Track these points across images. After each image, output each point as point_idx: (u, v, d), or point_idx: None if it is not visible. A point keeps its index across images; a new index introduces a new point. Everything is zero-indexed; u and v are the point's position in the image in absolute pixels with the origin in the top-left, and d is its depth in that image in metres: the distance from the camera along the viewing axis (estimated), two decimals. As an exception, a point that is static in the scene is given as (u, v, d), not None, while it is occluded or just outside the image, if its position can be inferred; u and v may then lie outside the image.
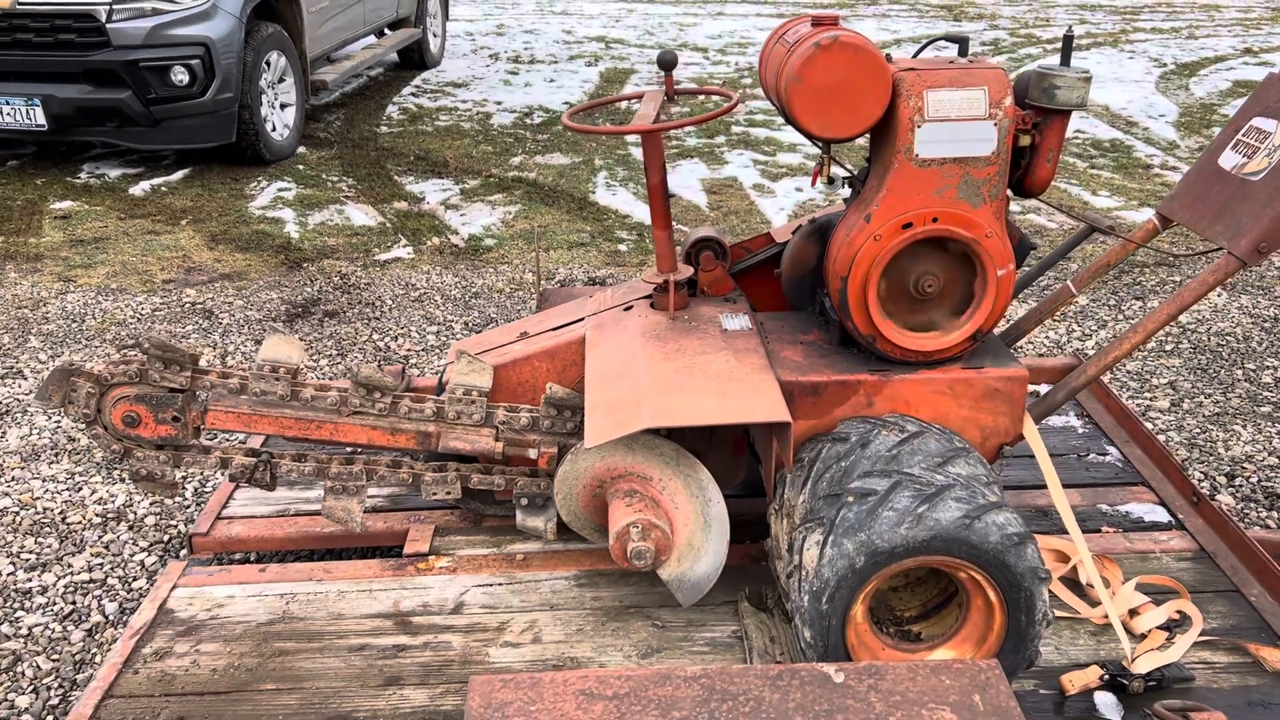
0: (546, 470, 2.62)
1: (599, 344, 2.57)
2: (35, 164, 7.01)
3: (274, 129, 7.07)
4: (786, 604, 2.22)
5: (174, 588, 2.62)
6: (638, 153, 7.31)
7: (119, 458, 2.61)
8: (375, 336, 4.62)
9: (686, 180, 6.81)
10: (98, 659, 2.72)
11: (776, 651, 2.33)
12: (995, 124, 2.22)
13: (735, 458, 2.73)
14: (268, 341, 2.62)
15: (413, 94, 9.23)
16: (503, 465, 2.69)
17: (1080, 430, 3.35)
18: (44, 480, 3.51)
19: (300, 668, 2.36)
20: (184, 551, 3.04)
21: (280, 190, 6.59)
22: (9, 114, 6.36)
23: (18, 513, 3.34)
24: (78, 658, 2.73)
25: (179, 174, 6.87)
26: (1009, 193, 2.38)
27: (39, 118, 6.34)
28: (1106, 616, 2.42)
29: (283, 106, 7.24)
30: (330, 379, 4.15)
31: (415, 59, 10.01)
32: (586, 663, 2.36)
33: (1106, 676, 2.27)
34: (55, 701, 2.59)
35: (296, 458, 2.67)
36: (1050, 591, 2.39)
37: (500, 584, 2.62)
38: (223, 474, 2.64)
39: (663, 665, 2.31)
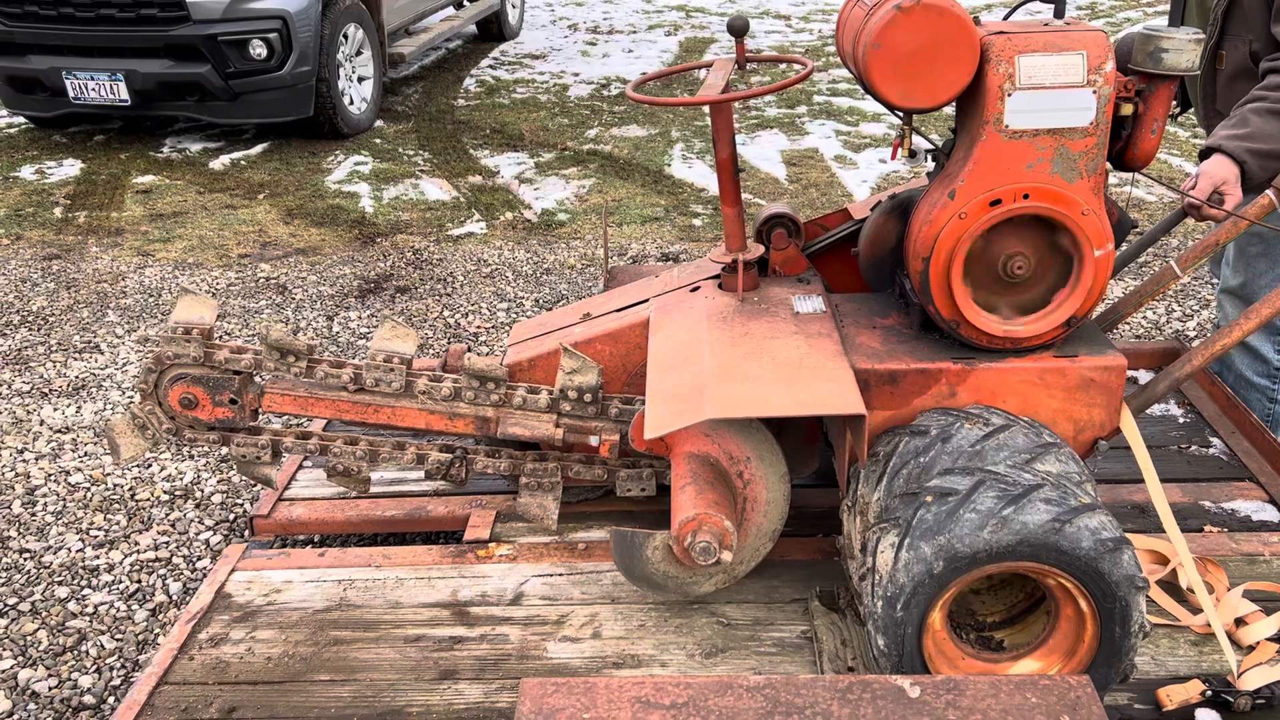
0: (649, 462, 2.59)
1: (663, 327, 2.45)
2: (121, 139, 7.12)
3: (351, 102, 7.06)
4: (859, 607, 2.09)
5: (233, 571, 2.59)
6: (716, 124, 7.14)
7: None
8: (446, 313, 4.57)
9: (766, 152, 6.63)
10: (160, 639, 2.71)
11: (849, 656, 2.20)
12: (1094, 91, 2.04)
13: (808, 445, 2.60)
14: (180, 302, 2.53)
15: (490, 66, 9.17)
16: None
17: (1181, 420, 3.13)
18: (116, 456, 3.53)
19: (355, 658, 2.30)
20: (246, 532, 3.02)
21: (357, 164, 6.58)
22: (94, 89, 6.45)
23: (89, 489, 3.36)
24: (140, 638, 2.72)
25: (258, 148, 6.90)
26: (1108, 166, 2.19)
27: (122, 93, 6.42)
28: (1209, 625, 2.24)
29: (360, 80, 7.22)
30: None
31: (494, 30, 9.94)
32: (647, 661, 2.26)
33: (1209, 692, 2.09)
34: (117, 682, 2.58)
35: (490, 454, 2.62)
36: (1148, 597, 2.21)
37: (561, 574, 2.54)
38: (420, 470, 2.68)
39: (724, 674, 2.20)
